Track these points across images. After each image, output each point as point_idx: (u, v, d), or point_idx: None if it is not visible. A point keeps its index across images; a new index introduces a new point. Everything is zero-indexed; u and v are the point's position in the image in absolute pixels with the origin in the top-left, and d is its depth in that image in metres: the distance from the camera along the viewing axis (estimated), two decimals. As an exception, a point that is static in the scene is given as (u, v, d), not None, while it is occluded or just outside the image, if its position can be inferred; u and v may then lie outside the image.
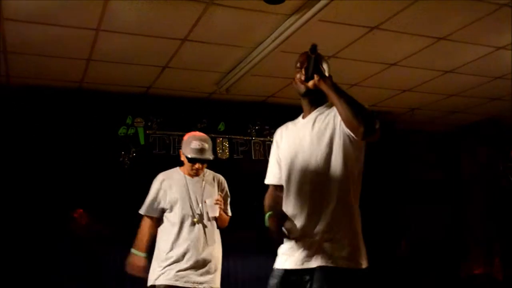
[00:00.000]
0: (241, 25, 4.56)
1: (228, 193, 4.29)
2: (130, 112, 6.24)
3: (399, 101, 6.87)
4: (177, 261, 3.90)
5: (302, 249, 2.57)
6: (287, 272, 2.59)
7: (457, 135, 8.28)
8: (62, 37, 4.57)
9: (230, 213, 4.26)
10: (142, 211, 4.08)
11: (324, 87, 2.59)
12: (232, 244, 4.59)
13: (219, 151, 6.54)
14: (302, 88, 2.74)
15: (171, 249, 3.94)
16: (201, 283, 3.92)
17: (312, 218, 2.58)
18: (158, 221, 4.08)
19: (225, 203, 4.20)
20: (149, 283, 3.96)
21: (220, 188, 4.22)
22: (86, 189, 5.90)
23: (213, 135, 6.56)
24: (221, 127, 6.65)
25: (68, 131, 5.92)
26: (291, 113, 7.39)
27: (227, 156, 6.58)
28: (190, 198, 4.04)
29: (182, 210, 3.99)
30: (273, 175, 2.88)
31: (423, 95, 6.62)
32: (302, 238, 2.58)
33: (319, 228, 2.55)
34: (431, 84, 6.19)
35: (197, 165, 4.03)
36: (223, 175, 4.32)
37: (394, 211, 7.38)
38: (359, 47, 5.06)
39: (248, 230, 5.75)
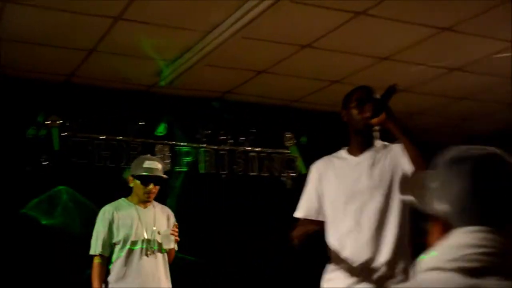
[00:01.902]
0: (193, 3, 4.81)
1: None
2: (42, 107, 6.36)
3: (393, 103, 7.23)
4: None
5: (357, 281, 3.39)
6: None
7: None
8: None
9: (176, 247, 5.04)
10: (95, 251, 4.83)
11: (392, 126, 3.31)
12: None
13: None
14: (360, 125, 3.45)
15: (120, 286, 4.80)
16: None
17: (369, 263, 3.36)
18: (108, 260, 4.88)
19: None
20: None
21: (170, 221, 5.06)
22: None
23: (151, 141, 6.80)
24: (162, 130, 6.88)
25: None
26: (253, 113, 7.67)
27: (168, 168, 6.72)
28: (143, 229, 4.86)
29: (135, 242, 4.83)
30: (311, 210, 3.62)
31: (423, 97, 7.03)
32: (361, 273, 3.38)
33: (377, 266, 3.35)
34: (433, 84, 6.62)
35: (151, 186, 4.87)
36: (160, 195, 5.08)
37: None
38: (342, 36, 5.40)
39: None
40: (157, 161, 5.10)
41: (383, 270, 3.35)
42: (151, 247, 4.86)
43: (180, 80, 6.17)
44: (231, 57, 5.81)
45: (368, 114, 3.36)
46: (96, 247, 4.82)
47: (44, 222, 6.28)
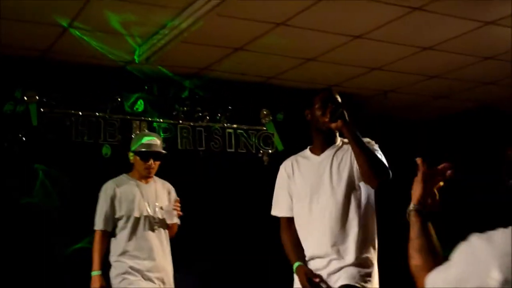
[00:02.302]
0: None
1: None
2: (19, 83, 6.40)
3: (367, 81, 7.39)
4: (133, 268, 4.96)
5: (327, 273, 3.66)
6: None
7: (442, 124, 8.87)
8: None
9: (179, 222, 5.21)
10: (98, 226, 4.99)
11: (346, 133, 3.60)
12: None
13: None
14: (322, 126, 3.70)
15: (124, 261, 4.97)
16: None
17: (336, 248, 3.66)
18: (111, 234, 5.05)
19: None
20: None
21: (171, 195, 5.23)
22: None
23: (128, 117, 6.87)
24: (139, 107, 6.95)
25: None
26: (230, 89, 7.74)
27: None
28: (145, 204, 5.03)
29: (138, 218, 4.99)
30: (287, 208, 3.88)
31: (397, 75, 7.17)
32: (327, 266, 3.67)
33: (343, 254, 3.64)
34: (406, 62, 6.75)
35: (150, 162, 5.01)
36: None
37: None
38: (316, 14, 5.49)
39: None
40: (156, 137, 5.25)
41: (347, 264, 3.63)
42: (155, 222, 5.05)
43: (157, 56, 6.24)
44: (207, 34, 5.88)
45: (326, 119, 3.61)
46: (99, 222, 4.98)
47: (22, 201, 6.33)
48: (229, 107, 7.38)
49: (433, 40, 6.23)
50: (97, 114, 6.77)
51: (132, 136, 5.60)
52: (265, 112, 7.61)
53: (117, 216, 4.99)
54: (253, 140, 7.49)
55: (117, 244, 5.00)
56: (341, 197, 3.67)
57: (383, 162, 3.60)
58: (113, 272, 4.99)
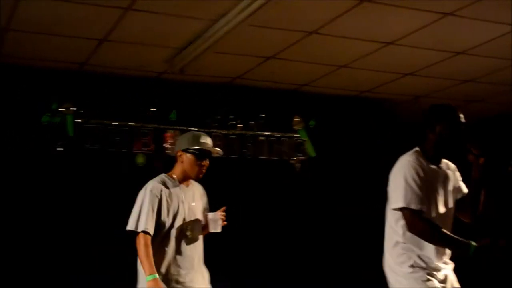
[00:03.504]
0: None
1: None
2: (56, 95, 6.53)
3: (399, 87, 7.38)
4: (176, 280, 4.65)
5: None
6: None
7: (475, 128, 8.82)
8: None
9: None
10: (140, 227, 4.54)
11: (477, 171, 4.03)
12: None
13: (168, 146, 6.92)
14: (449, 149, 4.05)
15: (168, 270, 4.62)
16: None
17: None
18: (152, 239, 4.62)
19: None
20: None
21: (204, 200, 4.96)
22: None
23: (162, 126, 6.93)
24: (173, 116, 7.01)
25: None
26: (262, 97, 7.79)
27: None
28: (185, 210, 4.73)
29: (180, 224, 4.68)
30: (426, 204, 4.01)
31: (429, 80, 7.15)
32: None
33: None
34: (438, 67, 6.73)
35: (206, 162, 4.74)
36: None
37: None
38: (347, 22, 5.52)
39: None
40: (208, 136, 4.93)
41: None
42: (194, 228, 4.77)
43: (190, 66, 6.29)
44: (239, 44, 5.93)
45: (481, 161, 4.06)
46: (140, 222, 4.55)
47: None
48: (262, 115, 7.39)
49: (465, 45, 6.21)
50: (131, 124, 6.84)
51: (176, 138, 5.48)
52: (297, 119, 7.62)
53: (161, 219, 4.61)
54: (285, 147, 7.50)
55: (157, 249, 4.62)
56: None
57: None
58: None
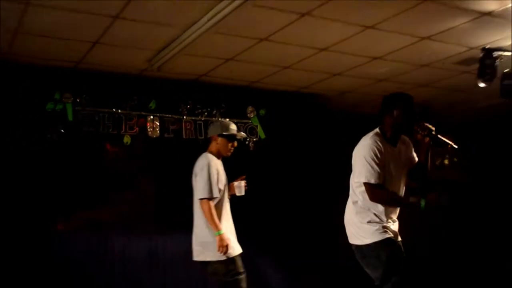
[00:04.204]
0: (175, 5, 4.78)
1: None
2: (58, 87, 6.31)
3: (330, 85, 7.31)
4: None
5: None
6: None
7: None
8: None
9: None
10: (213, 194, 4.69)
11: (424, 147, 4.06)
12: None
13: (149, 129, 6.75)
14: (403, 130, 4.09)
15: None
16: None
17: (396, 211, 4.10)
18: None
19: None
20: (213, 258, 4.69)
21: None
22: (13, 165, 6.03)
23: (143, 113, 6.79)
24: (152, 105, 6.84)
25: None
26: (222, 92, 7.66)
27: (158, 135, 6.81)
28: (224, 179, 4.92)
29: (226, 190, 4.89)
30: (382, 178, 3.96)
31: (352, 80, 7.08)
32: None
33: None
34: (360, 69, 6.66)
35: (235, 143, 5.00)
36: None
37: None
38: (291, 31, 5.39)
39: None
40: (234, 124, 5.21)
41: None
42: (228, 194, 4.96)
43: (166, 65, 6.14)
44: (205, 48, 5.77)
45: (420, 134, 4.11)
46: (212, 191, 4.71)
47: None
48: (222, 105, 7.29)
49: (380, 52, 6.14)
50: (119, 111, 6.67)
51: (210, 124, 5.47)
52: (250, 109, 7.53)
53: (219, 187, 4.79)
54: (242, 130, 7.40)
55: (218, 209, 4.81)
56: (404, 176, 4.15)
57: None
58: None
